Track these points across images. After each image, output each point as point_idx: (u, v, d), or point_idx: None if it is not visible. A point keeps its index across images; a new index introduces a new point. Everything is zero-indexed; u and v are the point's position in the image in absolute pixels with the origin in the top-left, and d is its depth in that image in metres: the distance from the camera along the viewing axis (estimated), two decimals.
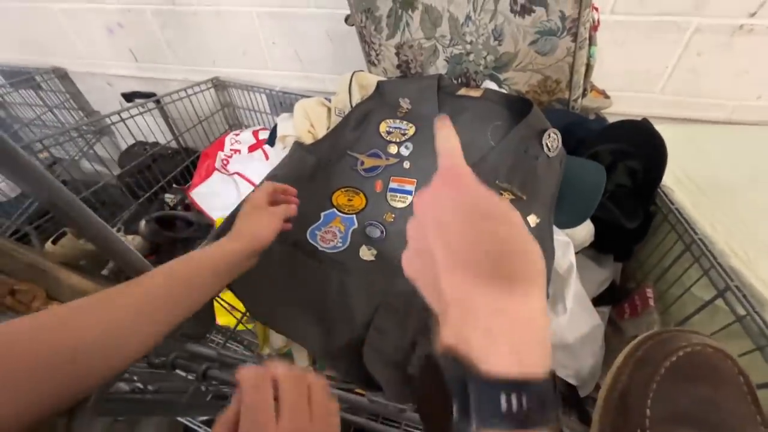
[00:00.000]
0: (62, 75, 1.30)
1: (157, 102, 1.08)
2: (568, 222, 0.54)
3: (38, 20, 1.16)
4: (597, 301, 0.61)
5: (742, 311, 0.43)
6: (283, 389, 0.25)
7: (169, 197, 1.05)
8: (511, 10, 0.58)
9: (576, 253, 0.63)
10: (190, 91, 1.08)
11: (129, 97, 1.21)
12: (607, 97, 0.83)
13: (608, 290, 0.66)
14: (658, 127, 0.82)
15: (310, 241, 0.54)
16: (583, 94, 0.70)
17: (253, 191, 0.48)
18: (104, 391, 0.31)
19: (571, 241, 0.54)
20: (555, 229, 0.54)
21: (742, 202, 0.60)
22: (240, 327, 0.53)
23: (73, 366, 0.26)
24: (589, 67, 0.67)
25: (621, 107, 0.86)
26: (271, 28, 1.00)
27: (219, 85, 1.15)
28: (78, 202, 0.37)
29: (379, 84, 0.66)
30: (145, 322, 0.31)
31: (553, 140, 0.55)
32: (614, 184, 0.62)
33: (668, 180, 0.64)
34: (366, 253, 0.54)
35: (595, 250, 0.67)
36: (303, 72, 1.07)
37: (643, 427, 0.21)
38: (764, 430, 0.19)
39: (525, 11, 0.57)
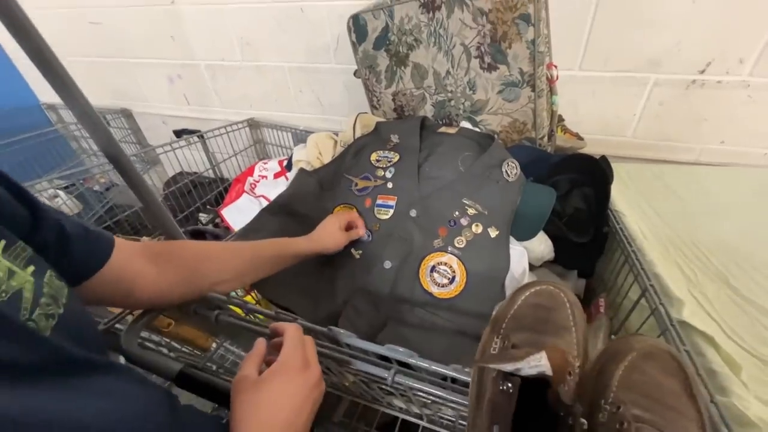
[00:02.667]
0: (128, 114, 1.57)
1: (201, 137, 1.29)
2: (524, 234, 0.65)
3: (117, 71, 1.43)
4: None
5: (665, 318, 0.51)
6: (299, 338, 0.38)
7: (203, 216, 1.23)
8: (480, 67, 0.73)
9: (540, 267, 0.73)
10: (228, 129, 1.29)
11: (178, 133, 1.44)
12: (580, 138, 0.95)
13: None
14: (630, 166, 0.93)
15: None
16: (551, 135, 0.82)
17: (340, 213, 0.68)
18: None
19: (525, 251, 0.64)
20: (513, 240, 0.65)
21: (694, 229, 0.69)
22: (249, 299, 0.65)
23: (205, 273, 0.47)
24: (553, 113, 0.80)
25: (596, 148, 0.96)
26: (300, 79, 1.21)
27: (253, 124, 1.36)
28: (163, 208, 0.52)
29: (377, 124, 0.81)
30: (245, 269, 0.52)
31: (511, 168, 0.67)
32: (573, 208, 0.72)
33: (633, 210, 0.73)
34: (354, 253, 0.66)
35: (561, 267, 0.76)
36: (323, 115, 1.26)
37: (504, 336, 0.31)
38: (571, 329, 0.29)
39: (491, 68, 0.72)
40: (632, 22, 0.83)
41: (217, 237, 1.10)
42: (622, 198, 0.77)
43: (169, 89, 1.40)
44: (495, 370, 0.26)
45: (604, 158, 0.74)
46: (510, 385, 0.25)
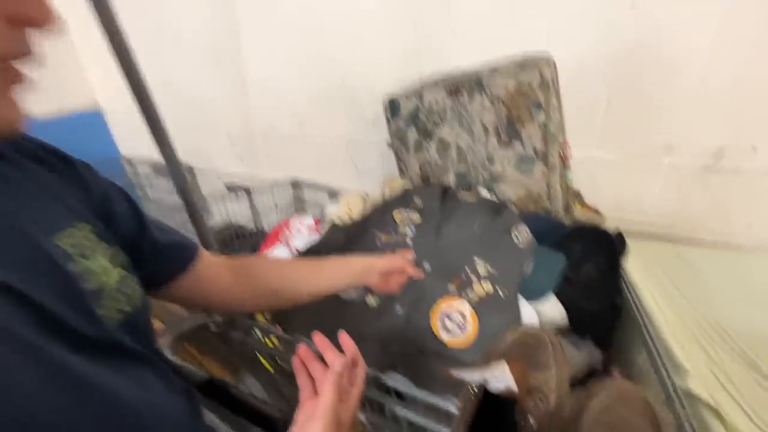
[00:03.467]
0: (189, 170, 1.79)
1: (248, 192, 1.45)
2: (533, 294, 0.67)
3: (185, 130, 1.68)
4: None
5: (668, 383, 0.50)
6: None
7: None
8: (498, 143, 0.82)
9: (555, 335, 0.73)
10: (273, 187, 1.44)
11: (229, 187, 1.62)
12: (599, 214, 0.99)
13: (589, 377, 0.72)
14: (652, 245, 0.94)
15: None
16: (567, 208, 0.87)
17: (390, 258, 0.64)
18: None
19: (535, 312, 0.66)
20: (523, 300, 0.68)
21: (721, 312, 0.68)
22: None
23: (280, 291, 0.54)
24: (568, 187, 0.86)
25: (616, 225, 0.99)
26: (340, 147, 1.36)
27: (295, 184, 1.51)
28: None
29: (404, 188, 0.91)
30: (314, 291, 0.56)
31: (521, 233, 0.72)
32: (586, 277, 0.74)
33: (653, 287, 0.73)
34: (371, 300, 0.71)
35: (577, 337, 0.75)
36: (358, 179, 1.38)
37: None
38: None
39: (507, 145, 0.81)
40: (644, 106, 0.90)
41: None
42: (641, 275, 0.77)
43: (228, 149, 1.61)
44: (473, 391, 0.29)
45: (619, 233, 0.77)
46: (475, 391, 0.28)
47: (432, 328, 0.64)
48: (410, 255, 0.75)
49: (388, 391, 0.40)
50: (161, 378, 0.37)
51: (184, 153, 0.67)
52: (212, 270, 0.50)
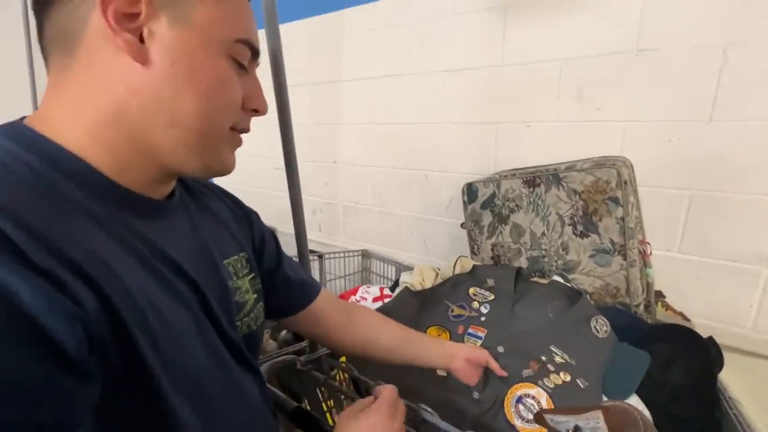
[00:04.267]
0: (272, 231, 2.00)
1: (320, 257, 1.57)
2: (615, 392, 0.64)
3: (283, 201, 1.92)
4: None
5: None
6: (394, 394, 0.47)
7: None
8: (573, 233, 0.85)
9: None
10: (344, 254, 1.55)
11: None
12: (686, 319, 0.93)
13: None
14: (754, 361, 0.85)
15: None
16: (647, 306, 0.84)
17: (475, 349, 0.66)
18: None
19: None
20: (605, 398, 0.64)
21: None
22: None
23: (372, 343, 0.61)
24: (648, 284, 0.84)
25: (706, 334, 0.92)
26: (413, 225, 1.47)
27: (366, 254, 1.61)
28: None
29: (475, 266, 0.95)
30: (394, 352, 0.62)
31: (600, 324, 0.71)
32: (675, 381, 0.69)
33: (758, 403, 0.66)
34: (441, 371, 0.72)
35: None
36: (426, 255, 1.45)
37: None
38: None
39: (583, 235, 0.84)
40: (728, 216, 0.89)
41: None
42: (744, 393, 0.69)
43: (310, 219, 1.80)
44: None
45: (710, 338, 0.73)
46: None
47: (506, 413, 0.63)
48: (483, 333, 0.77)
49: None
50: (259, 388, 0.43)
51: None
52: (326, 310, 0.58)
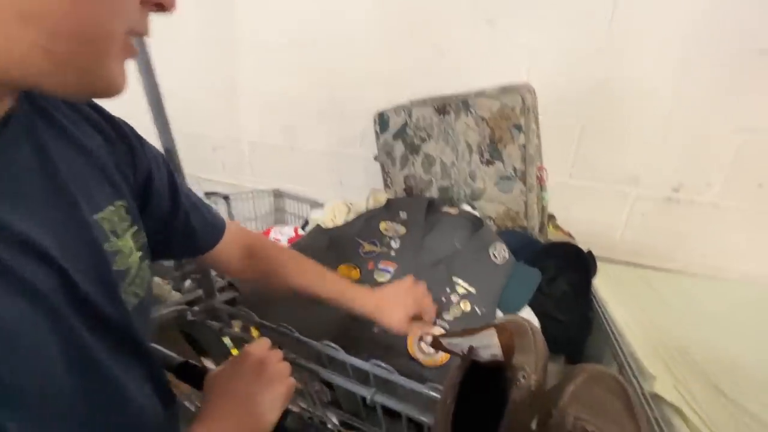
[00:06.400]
0: None
1: (226, 199, 1.43)
2: (509, 307, 0.69)
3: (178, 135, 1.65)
4: None
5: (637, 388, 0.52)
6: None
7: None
8: (480, 161, 0.86)
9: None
10: (253, 195, 1.43)
11: (208, 195, 1.60)
12: (571, 237, 1.04)
13: None
14: (619, 268, 1.00)
15: None
16: (541, 228, 0.91)
17: (414, 299, 0.63)
18: None
19: None
20: (500, 314, 0.70)
21: (683, 335, 0.72)
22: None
23: (278, 276, 0.56)
24: (543, 207, 0.90)
25: (585, 247, 1.05)
26: (326, 161, 1.38)
27: (277, 194, 1.50)
28: None
29: (389, 200, 0.93)
30: (307, 287, 0.58)
31: (499, 251, 0.75)
32: (560, 291, 0.77)
33: (623, 307, 0.76)
34: None
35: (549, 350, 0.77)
36: (343, 193, 1.40)
37: None
38: None
39: (489, 163, 0.85)
40: (613, 142, 0.98)
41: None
42: (611, 295, 0.81)
43: (211, 156, 1.60)
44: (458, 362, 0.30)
45: (589, 252, 0.82)
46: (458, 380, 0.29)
47: (408, 349, 0.64)
48: (392, 268, 0.77)
49: (366, 379, 0.40)
50: (147, 375, 0.36)
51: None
52: (227, 252, 0.52)
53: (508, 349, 0.27)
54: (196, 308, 0.54)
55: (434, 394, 0.36)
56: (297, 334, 0.46)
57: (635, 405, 0.30)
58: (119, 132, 0.38)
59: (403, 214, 0.87)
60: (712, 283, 0.96)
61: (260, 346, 0.41)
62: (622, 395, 0.31)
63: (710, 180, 0.93)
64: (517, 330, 0.37)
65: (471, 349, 0.29)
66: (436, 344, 0.28)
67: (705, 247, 0.99)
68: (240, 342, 0.56)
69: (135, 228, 0.36)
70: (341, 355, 0.42)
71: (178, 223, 0.44)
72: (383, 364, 0.40)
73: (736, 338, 0.73)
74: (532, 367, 0.32)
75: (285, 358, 0.44)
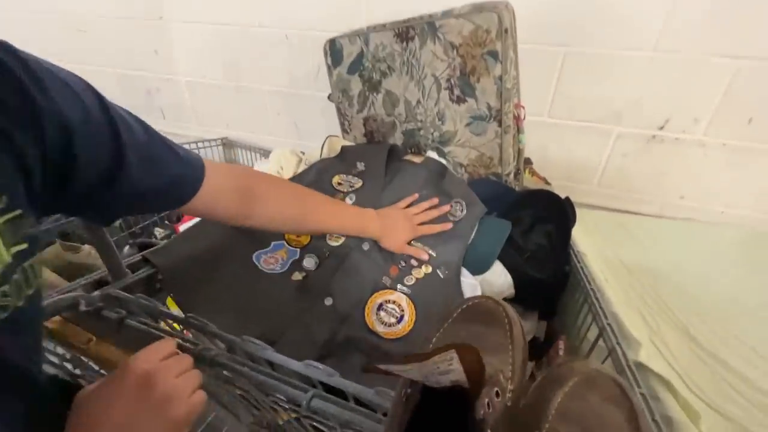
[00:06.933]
0: None
1: None
2: (477, 267, 0.62)
3: (95, 80, 1.41)
4: None
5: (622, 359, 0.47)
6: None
7: (158, 231, 1.15)
8: (450, 99, 0.74)
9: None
10: (201, 146, 1.26)
11: None
12: (547, 183, 0.96)
13: (531, 348, 0.69)
14: (595, 213, 0.94)
15: (254, 261, 0.63)
16: (517, 174, 0.82)
17: (410, 220, 0.65)
18: None
19: (478, 284, 0.61)
20: (466, 273, 0.62)
21: (656, 280, 0.68)
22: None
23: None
24: (520, 151, 0.80)
25: (562, 193, 0.98)
26: (278, 103, 1.21)
27: (227, 143, 1.33)
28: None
29: (343, 148, 0.80)
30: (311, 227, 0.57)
31: (455, 210, 0.66)
32: (535, 244, 0.70)
33: (597, 255, 0.72)
34: (296, 276, 0.61)
35: (522, 308, 0.72)
36: (299, 140, 1.25)
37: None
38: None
39: (460, 100, 0.73)
40: (597, 75, 0.87)
41: None
42: (586, 242, 0.76)
43: (146, 102, 1.38)
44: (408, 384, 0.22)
45: (567, 199, 0.74)
46: (409, 390, 0.20)
47: (366, 321, 0.56)
48: None
49: (311, 383, 0.32)
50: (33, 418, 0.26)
51: None
52: (218, 197, 0.45)
53: (474, 374, 0.18)
54: (95, 294, 0.43)
55: (384, 403, 0.28)
56: (213, 328, 0.36)
57: (640, 416, 0.23)
58: (20, 92, 0.26)
59: (360, 165, 0.76)
60: (689, 225, 0.92)
61: (151, 353, 0.31)
62: (624, 404, 0.23)
63: (698, 115, 0.85)
64: (488, 317, 0.28)
65: (422, 378, 0.20)
66: (371, 370, 0.19)
67: (685, 189, 0.94)
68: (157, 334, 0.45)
69: (14, 213, 0.24)
70: (268, 353, 0.33)
71: (134, 173, 0.35)
72: (320, 366, 0.31)
73: (710, 282, 0.71)
74: (508, 372, 0.24)
75: (219, 363, 0.34)
